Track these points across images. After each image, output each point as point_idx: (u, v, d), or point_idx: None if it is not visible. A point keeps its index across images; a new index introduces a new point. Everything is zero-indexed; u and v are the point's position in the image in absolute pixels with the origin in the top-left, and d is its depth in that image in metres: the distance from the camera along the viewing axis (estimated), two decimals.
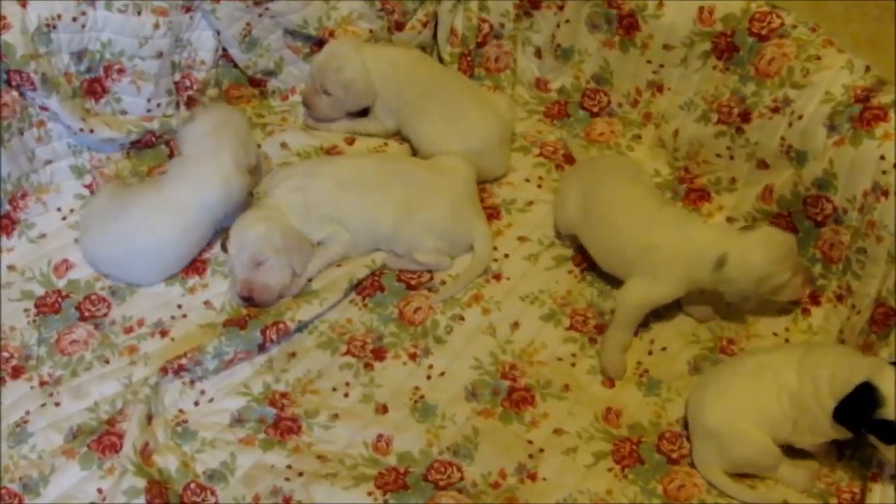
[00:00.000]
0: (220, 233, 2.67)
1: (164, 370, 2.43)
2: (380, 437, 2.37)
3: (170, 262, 2.63)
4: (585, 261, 2.69)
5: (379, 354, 2.52)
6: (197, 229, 2.62)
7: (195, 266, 2.67)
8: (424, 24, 3.02)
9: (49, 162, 2.75)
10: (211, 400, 2.44)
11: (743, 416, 2.25)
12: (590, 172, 2.70)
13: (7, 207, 2.67)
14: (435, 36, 3.07)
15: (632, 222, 2.52)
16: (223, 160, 2.60)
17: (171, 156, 2.86)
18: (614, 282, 2.64)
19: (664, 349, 2.55)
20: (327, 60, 2.85)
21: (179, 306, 2.60)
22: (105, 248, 2.60)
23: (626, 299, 2.51)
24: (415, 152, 2.90)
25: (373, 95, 2.88)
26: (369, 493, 2.27)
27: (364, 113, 2.95)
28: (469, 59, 3.00)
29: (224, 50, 2.90)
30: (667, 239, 2.44)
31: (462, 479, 2.31)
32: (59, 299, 2.60)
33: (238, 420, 2.40)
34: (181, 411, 2.42)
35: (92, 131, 2.72)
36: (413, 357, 2.52)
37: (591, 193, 2.61)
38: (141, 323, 2.57)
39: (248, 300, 2.56)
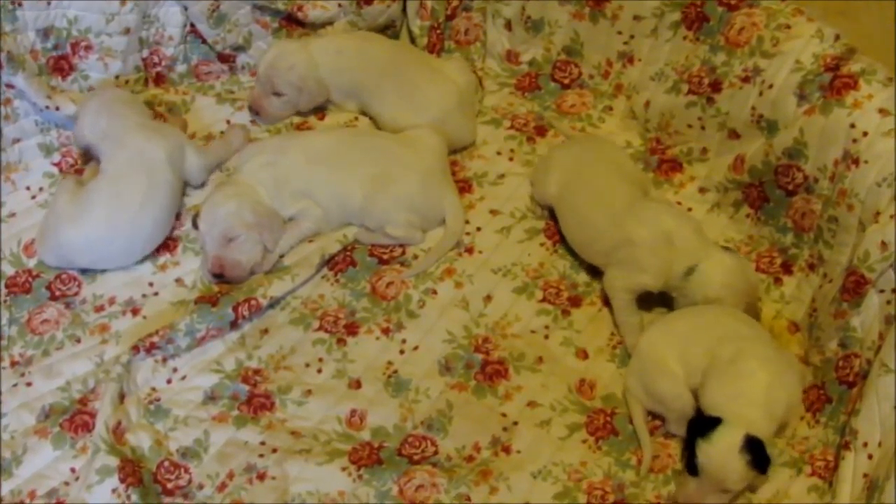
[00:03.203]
0: (190, 210, 2.66)
1: (135, 348, 2.41)
2: (353, 412, 2.37)
3: (145, 239, 2.60)
4: (557, 233, 2.69)
5: (352, 329, 2.51)
6: (161, 197, 2.59)
7: (166, 244, 2.65)
8: None
9: (17, 140, 2.73)
10: (183, 378, 2.42)
11: (671, 351, 2.31)
12: (576, 155, 2.69)
13: None
14: (404, 9, 3.04)
15: (609, 215, 2.51)
16: (138, 123, 2.63)
17: None
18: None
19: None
20: (276, 61, 2.82)
21: (151, 284, 2.58)
22: (81, 240, 2.54)
23: (610, 288, 2.51)
24: (379, 128, 2.88)
25: (325, 92, 2.87)
26: (343, 469, 2.26)
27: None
28: (439, 32, 2.98)
29: (192, 26, 2.87)
30: (645, 237, 2.44)
31: (436, 453, 2.31)
32: (30, 279, 2.58)
33: (211, 397, 2.39)
34: (153, 389, 2.40)
35: (58, 108, 2.70)
36: (386, 332, 2.51)
37: (574, 178, 2.62)
38: (112, 301, 2.55)
39: (220, 277, 2.55)
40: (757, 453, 2.07)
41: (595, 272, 2.61)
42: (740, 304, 2.37)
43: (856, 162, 2.33)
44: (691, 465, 2.12)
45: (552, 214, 2.71)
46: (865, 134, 2.33)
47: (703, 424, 2.12)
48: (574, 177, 2.61)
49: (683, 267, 2.39)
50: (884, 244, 2.24)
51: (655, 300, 2.53)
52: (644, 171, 2.78)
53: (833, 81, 2.41)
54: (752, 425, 2.09)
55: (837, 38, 2.47)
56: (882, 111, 2.33)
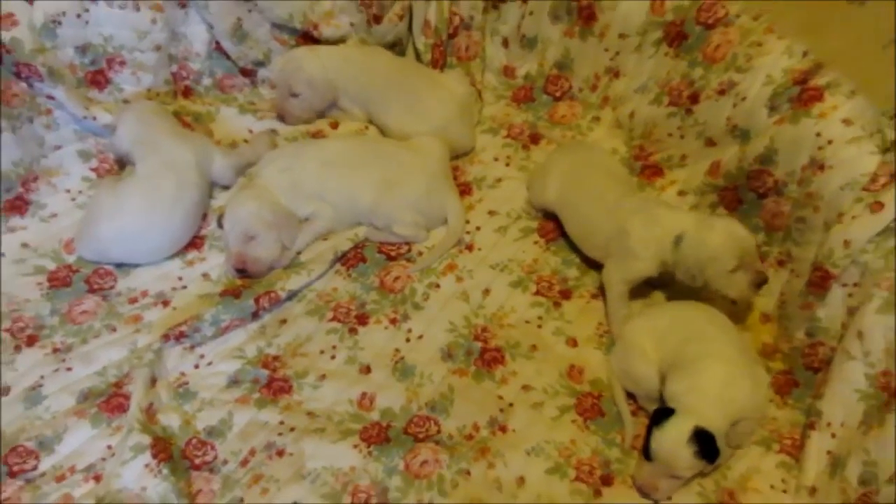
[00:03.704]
0: (216, 210, 2.68)
1: (165, 337, 2.43)
2: (364, 395, 2.37)
3: (176, 235, 2.61)
4: (550, 232, 2.70)
5: (362, 320, 2.52)
6: (190, 197, 2.61)
7: (193, 241, 2.66)
8: (400, 17, 2.99)
9: (57, 147, 2.74)
10: (209, 363, 2.43)
11: (649, 340, 2.32)
12: (571, 162, 2.69)
13: (20, 189, 2.66)
14: (410, 28, 3.04)
15: (604, 211, 2.52)
16: (169, 131, 2.65)
17: None
18: (576, 251, 2.65)
19: None
20: (286, 65, 2.85)
21: (179, 278, 2.59)
22: (115, 234, 2.55)
23: (609, 280, 2.51)
24: (386, 136, 2.89)
25: (334, 89, 2.87)
26: (355, 446, 2.27)
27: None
28: (441, 48, 2.98)
29: (217, 42, 2.88)
30: (636, 223, 2.44)
31: (439, 432, 2.31)
32: (70, 273, 2.58)
33: (234, 381, 2.40)
34: (182, 374, 2.41)
35: (95, 118, 2.71)
36: (393, 322, 2.51)
37: (570, 183, 2.62)
38: (144, 294, 2.56)
39: (242, 272, 2.55)
40: (704, 445, 2.07)
41: (584, 268, 2.62)
42: (735, 261, 2.32)
43: (821, 167, 2.34)
44: (646, 451, 2.13)
45: (546, 216, 2.71)
46: (830, 142, 2.33)
47: (660, 414, 2.13)
48: (571, 181, 2.62)
49: (672, 237, 2.38)
50: (846, 242, 2.24)
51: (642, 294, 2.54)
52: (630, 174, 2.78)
53: (801, 94, 2.41)
54: (704, 419, 2.09)
55: (805, 54, 2.47)
56: (846, 121, 2.33)
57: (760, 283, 2.35)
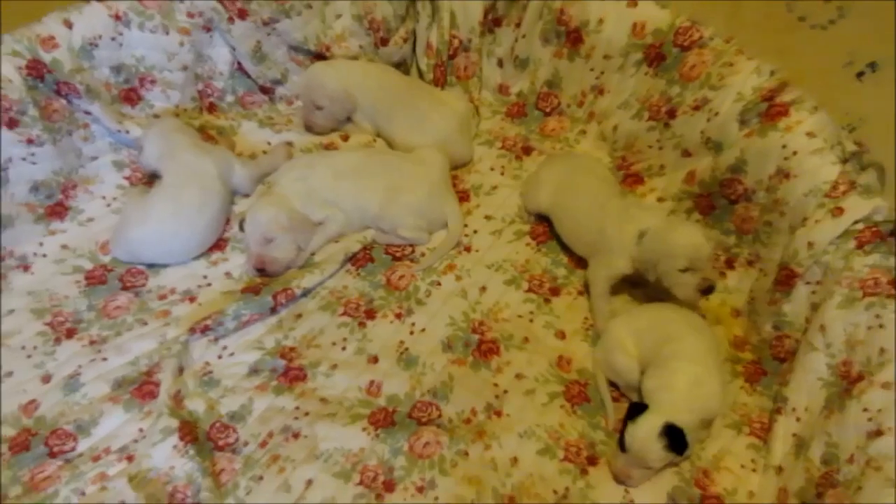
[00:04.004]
0: (237, 216, 2.68)
1: (192, 330, 2.43)
2: (372, 382, 2.38)
3: (201, 238, 2.62)
4: (540, 235, 2.70)
5: (370, 314, 2.52)
6: (213, 204, 2.61)
7: (217, 244, 2.66)
8: (405, 40, 3.00)
9: (94, 158, 2.74)
10: (231, 354, 2.44)
11: (630, 336, 2.33)
12: (563, 169, 2.69)
13: (60, 196, 2.66)
14: (414, 49, 3.05)
15: (590, 214, 2.53)
16: (190, 145, 2.64)
17: None
18: (564, 252, 2.66)
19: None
20: (310, 80, 2.85)
21: (205, 277, 2.60)
22: (146, 237, 2.56)
23: (592, 277, 2.52)
24: (392, 148, 2.89)
25: (354, 101, 2.87)
26: (364, 429, 2.28)
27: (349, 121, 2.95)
28: (442, 68, 2.99)
29: (238, 63, 2.88)
30: (612, 221, 2.45)
31: (440, 416, 2.32)
32: (105, 272, 2.59)
33: (254, 370, 2.41)
34: (207, 363, 2.42)
35: (128, 132, 2.72)
36: (398, 316, 2.52)
37: (562, 188, 2.63)
38: (173, 291, 2.56)
39: (261, 271, 2.56)
40: (674, 439, 2.07)
41: (571, 268, 2.63)
42: (686, 262, 2.29)
43: (787, 176, 2.35)
44: (621, 443, 2.14)
45: (538, 220, 2.72)
46: (795, 153, 2.34)
47: (634, 409, 2.14)
48: (563, 185, 2.63)
49: (636, 231, 2.38)
50: (810, 244, 2.26)
51: (622, 292, 2.55)
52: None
53: (769, 109, 2.42)
54: (674, 415, 2.09)
55: (773, 73, 2.47)
56: (809, 134, 2.34)
57: (706, 289, 2.32)
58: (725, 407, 2.31)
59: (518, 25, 2.90)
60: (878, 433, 1.92)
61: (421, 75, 3.04)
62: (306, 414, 2.32)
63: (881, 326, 2.06)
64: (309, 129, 2.91)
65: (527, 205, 2.75)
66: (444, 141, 2.80)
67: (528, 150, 2.92)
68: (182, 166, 2.61)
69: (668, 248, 2.31)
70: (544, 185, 2.67)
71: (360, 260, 2.64)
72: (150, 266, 2.60)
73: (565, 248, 2.66)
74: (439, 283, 2.59)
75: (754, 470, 2.24)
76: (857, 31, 3.46)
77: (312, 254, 2.63)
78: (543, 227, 2.72)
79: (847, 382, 2.08)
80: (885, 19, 3.49)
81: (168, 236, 2.56)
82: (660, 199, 2.74)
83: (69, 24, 2.57)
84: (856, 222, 2.20)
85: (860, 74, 3.32)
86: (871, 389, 1.99)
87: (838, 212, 2.23)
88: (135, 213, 2.56)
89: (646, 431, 2.09)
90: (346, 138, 2.92)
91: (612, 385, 2.38)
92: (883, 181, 2.32)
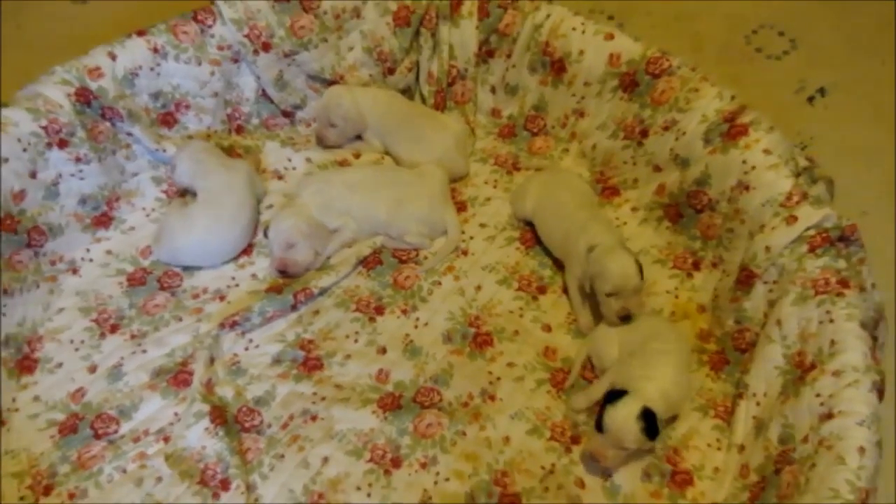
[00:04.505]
0: (262, 224, 2.65)
1: (222, 325, 2.40)
2: (381, 370, 2.35)
3: (236, 244, 2.59)
4: (528, 241, 2.66)
5: (379, 311, 2.49)
6: (245, 213, 2.59)
7: (245, 249, 2.62)
8: (409, 69, 2.96)
9: (135, 174, 2.70)
10: (257, 346, 2.40)
11: (617, 334, 2.29)
12: (545, 181, 2.65)
13: (105, 208, 2.63)
14: (417, 78, 3.01)
15: (561, 223, 2.50)
16: (218, 162, 2.62)
17: None
18: (549, 255, 2.61)
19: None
20: (329, 101, 2.81)
21: (233, 278, 2.56)
22: (190, 245, 2.53)
23: (567, 278, 2.48)
24: (398, 164, 2.85)
25: (365, 122, 2.83)
26: (373, 412, 2.25)
27: (359, 138, 2.90)
28: (442, 94, 2.95)
29: (263, 90, 2.84)
30: (574, 234, 2.42)
31: (441, 400, 2.29)
32: (145, 275, 2.55)
33: (277, 360, 2.37)
34: (235, 355, 2.38)
35: (165, 151, 2.68)
36: (404, 312, 2.48)
37: (542, 197, 2.60)
38: (205, 290, 2.52)
39: (283, 273, 2.52)
40: (649, 423, 2.02)
41: (555, 269, 2.59)
42: (610, 287, 2.25)
43: (746, 188, 2.31)
44: (599, 424, 2.08)
45: (527, 226, 2.68)
46: (754, 168, 2.31)
47: (613, 395, 2.08)
48: (545, 196, 2.59)
49: (587, 245, 2.34)
50: (767, 248, 2.23)
51: None
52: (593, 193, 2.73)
53: (730, 129, 2.39)
54: (650, 402, 2.05)
55: (733, 97, 2.44)
56: (766, 151, 2.30)
57: (624, 317, 2.27)
58: (688, 398, 2.27)
59: (509, 56, 2.87)
60: (829, 416, 1.88)
61: (423, 100, 3.00)
62: (323, 399, 2.28)
63: (831, 321, 2.03)
64: (320, 142, 2.87)
65: (515, 212, 2.71)
66: (443, 157, 2.76)
67: (517, 167, 2.88)
68: (216, 182, 2.57)
69: (601, 269, 2.26)
70: (529, 195, 2.64)
71: (370, 262, 2.60)
72: (185, 269, 2.56)
73: (549, 252, 2.61)
74: (440, 283, 2.55)
75: (719, 448, 2.20)
76: (808, 60, 3.47)
77: (328, 257, 2.59)
78: (531, 233, 2.68)
79: (801, 371, 2.05)
80: (832, 50, 3.50)
81: (209, 244, 2.54)
82: (633, 209, 2.70)
83: (113, 56, 2.54)
84: (808, 229, 2.17)
85: (811, 99, 3.33)
86: (823, 377, 1.96)
87: (792, 220, 2.19)
88: (179, 223, 2.53)
89: (625, 414, 2.03)
90: (357, 156, 2.88)
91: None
92: (832, 192, 2.29)
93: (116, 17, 3.55)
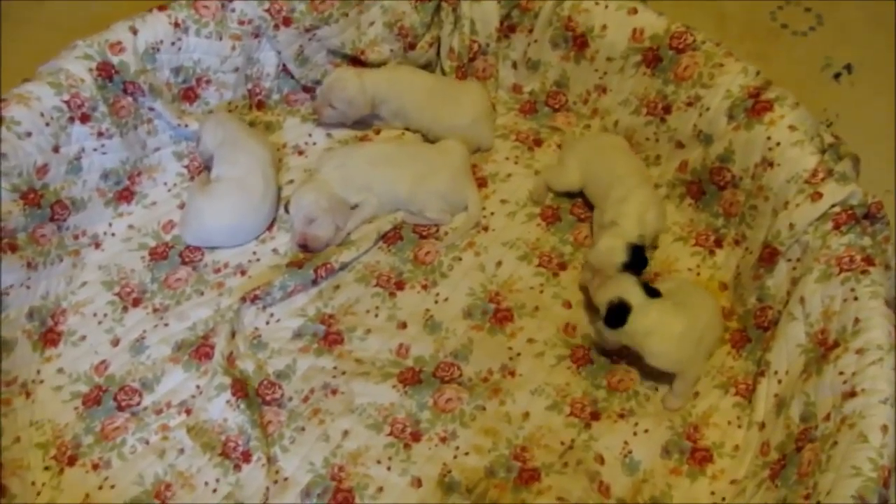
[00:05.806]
0: (283, 199, 2.65)
1: (243, 299, 2.41)
2: (401, 345, 2.35)
3: (264, 222, 2.60)
4: (549, 217, 2.65)
5: (400, 286, 2.49)
6: (272, 189, 2.59)
7: None
8: (430, 45, 2.95)
9: (157, 149, 2.70)
10: (278, 320, 2.42)
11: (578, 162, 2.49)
12: (588, 147, 2.65)
13: (127, 183, 2.64)
14: (438, 53, 3.00)
15: (613, 183, 2.48)
16: (245, 132, 2.64)
17: None
18: (570, 232, 2.60)
19: None
20: (333, 83, 2.77)
21: (254, 253, 2.57)
22: (220, 227, 2.54)
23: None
24: (424, 137, 2.84)
25: (369, 108, 2.80)
26: (393, 386, 2.26)
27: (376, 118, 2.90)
28: (463, 70, 2.93)
29: (283, 65, 2.84)
30: (613, 202, 2.43)
31: (461, 375, 2.29)
32: (167, 249, 2.57)
33: (298, 335, 2.38)
34: (256, 329, 2.40)
35: (186, 126, 2.68)
36: (425, 287, 2.48)
37: (591, 163, 2.58)
38: (226, 265, 2.54)
39: (304, 248, 2.53)
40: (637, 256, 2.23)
41: (576, 246, 2.58)
42: (590, 273, 2.33)
43: (770, 165, 2.30)
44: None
45: (557, 197, 2.69)
46: (778, 144, 2.28)
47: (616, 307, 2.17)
48: (591, 161, 2.59)
49: (612, 217, 2.38)
50: (791, 225, 2.21)
51: None
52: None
53: (754, 105, 2.36)
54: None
55: (758, 73, 2.41)
56: (791, 127, 2.28)
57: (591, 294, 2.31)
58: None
59: (530, 32, 2.85)
60: (852, 394, 1.87)
61: (444, 75, 2.99)
62: (343, 373, 2.29)
63: (855, 299, 2.01)
64: (317, 115, 2.85)
65: (556, 184, 2.67)
66: (472, 122, 2.75)
67: (538, 143, 2.86)
68: (243, 153, 2.57)
69: (596, 245, 2.33)
70: (572, 163, 2.62)
71: (390, 238, 2.60)
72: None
73: (571, 228, 2.60)
74: (460, 259, 2.55)
75: (739, 426, 2.20)
76: (834, 37, 3.42)
77: (349, 233, 2.59)
78: (551, 210, 2.66)
79: (824, 349, 2.04)
80: (859, 27, 3.45)
81: (240, 225, 2.55)
82: (656, 186, 2.68)
83: (134, 31, 2.53)
84: (833, 206, 2.14)
85: (837, 76, 3.28)
86: (846, 355, 1.95)
87: (817, 196, 2.17)
88: (207, 204, 2.53)
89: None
90: (378, 132, 2.88)
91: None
92: (857, 170, 2.27)
93: None
